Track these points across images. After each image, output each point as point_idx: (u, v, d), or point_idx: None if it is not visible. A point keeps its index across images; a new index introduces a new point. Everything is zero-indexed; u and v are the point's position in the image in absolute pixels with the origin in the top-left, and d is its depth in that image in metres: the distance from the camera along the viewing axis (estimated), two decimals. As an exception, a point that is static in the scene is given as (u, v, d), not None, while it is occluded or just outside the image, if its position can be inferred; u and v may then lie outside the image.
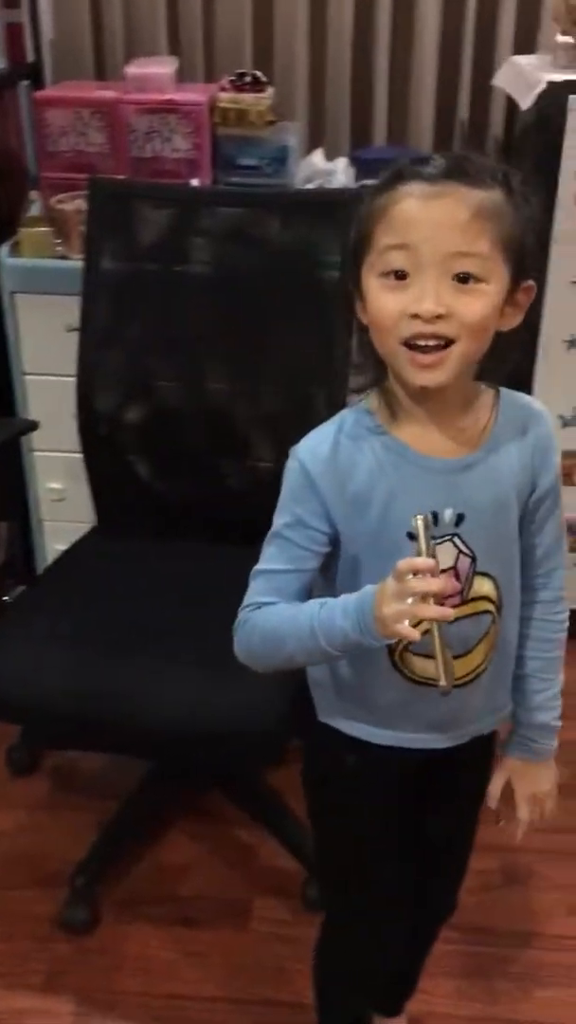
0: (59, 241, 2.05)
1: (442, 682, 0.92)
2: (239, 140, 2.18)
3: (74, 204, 2.00)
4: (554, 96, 1.94)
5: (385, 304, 0.95)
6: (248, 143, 2.18)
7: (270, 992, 1.58)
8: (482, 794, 1.23)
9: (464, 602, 1.05)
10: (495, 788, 1.19)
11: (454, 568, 1.04)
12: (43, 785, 1.96)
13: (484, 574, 1.06)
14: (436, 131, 2.43)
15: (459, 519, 1.03)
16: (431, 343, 0.93)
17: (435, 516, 1.02)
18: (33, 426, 1.92)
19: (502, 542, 1.07)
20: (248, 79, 2.18)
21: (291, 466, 1.04)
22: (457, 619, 1.03)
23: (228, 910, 1.71)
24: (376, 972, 1.36)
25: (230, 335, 1.76)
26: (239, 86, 2.18)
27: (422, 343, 0.94)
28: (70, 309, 1.80)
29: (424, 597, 0.90)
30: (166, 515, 1.83)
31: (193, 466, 1.81)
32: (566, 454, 2.01)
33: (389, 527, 1.02)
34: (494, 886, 1.77)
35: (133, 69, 2.20)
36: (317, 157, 2.20)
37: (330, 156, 2.24)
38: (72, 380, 1.77)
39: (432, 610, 0.90)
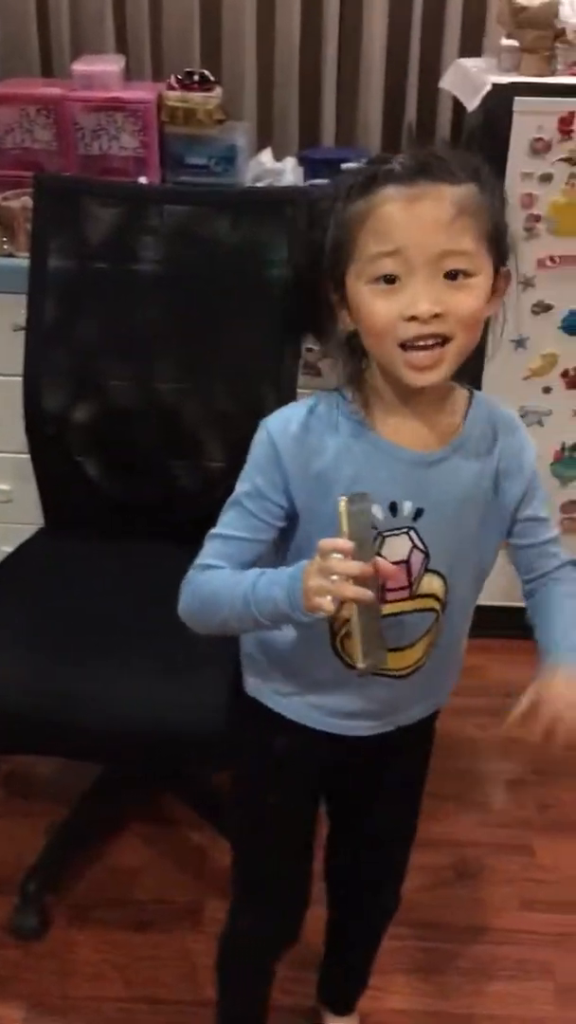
0: (5, 239, 2.02)
1: (359, 664, 0.94)
2: (187, 139, 2.17)
3: (20, 201, 1.98)
4: (499, 98, 1.96)
5: (379, 310, 0.95)
6: (197, 142, 2.17)
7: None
8: (417, 789, 1.26)
9: (412, 597, 1.06)
10: (524, 705, 1.07)
11: (406, 561, 1.04)
12: (-7, 791, 1.94)
13: (435, 572, 1.07)
14: (384, 132, 2.45)
15: (418, 513, 1.04)
16: (430, 342, 0.95)
17: (394, 507, 1.03)
18: (-22, 426, 1.90)
19: (457, 542, 1.07)
20: (196, 78, 2.18)
21: (259, 437, 1.05)
22: (402, 613, 1.05)
23: (180, 913, 1.70)
24: (265, 960, 1.36)
25: (180, 334, 1.75)
26: (187, 85, 2.17)
27: (421, 343, 0.95)
28: (17, 308, 1.77)
29: (347, 578, 0.91)
30: (116, 515, 1.81)
31: (143, 466, 1.80)
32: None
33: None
34: (446, 882, 1.78)
35: (80, 66, 2.19)
36: (266, 156, 2.20)
37: (279, 156, 2.25)
38: (19, 379, 1.75)
39: (350, 591, 0.91)
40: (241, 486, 1.06)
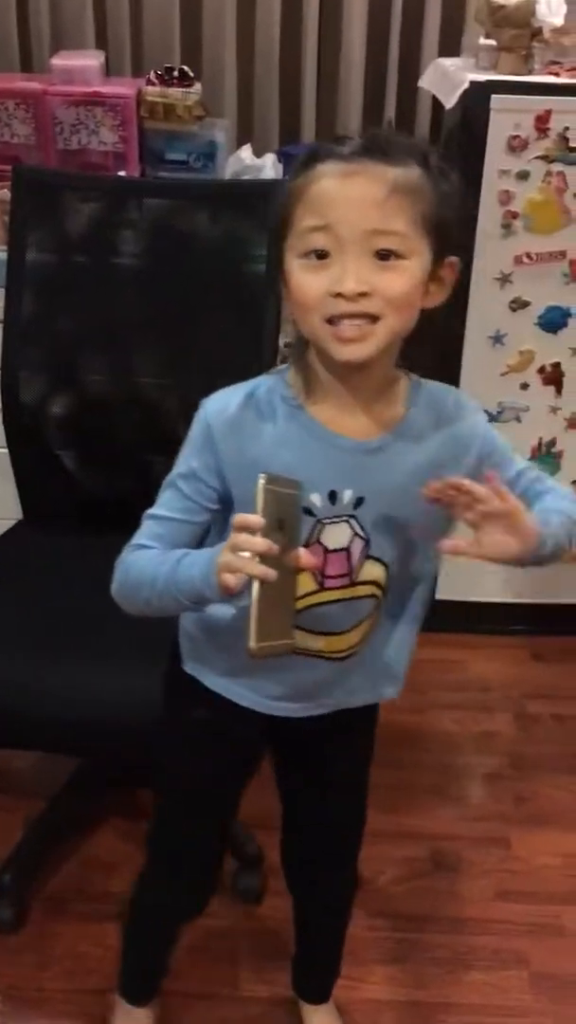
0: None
1: (250, 642, 0.91)
2: (167, 134, 2.18)
3: (-1, 195, 1.97)
4: (477, 96, 1.97)
5: (307, 284, 0.95)
6: (176, 137, 2.18)
7: (204, 986, 1.58)
8: (363, 772, 1.28)
9: (352, 584, 1.07)
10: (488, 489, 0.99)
11: (347, 549, 1.05)
12: (-31, 786, 1.93)
13: (376, 559, 1.07)
14: (363, 129, 2.45)
15: (358, 502, 1.04)
16: (356, 322, 0.94)
17: (333, 496, 1.03)
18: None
19: (399, 529, 1.06)
20: (176, 74, 2.18)
21: (197, 417, 1.05)
22: (343, 600, 1.06)
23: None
24: (167, 926, 1.40)
25: (159, 328, 1.75)
26: (167, 80, 2.18)
27: (347, 322, 0.94)
28: (-6, 300, 1.77)
29: (255, 556, 0.91)
30: (94, 508, 1.81)
31: (122, 460, 1.80)
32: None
33: None
34: (423, 873, 1.79)
35: (59, 61, 2.19)
36: (245, 153, 2.21)
37: (258, 152, 2.26)
38: (-5, 372, 1.75)
39: (253, 567, 0.90)
40: (178, 467, 1.06)
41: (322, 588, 1.05)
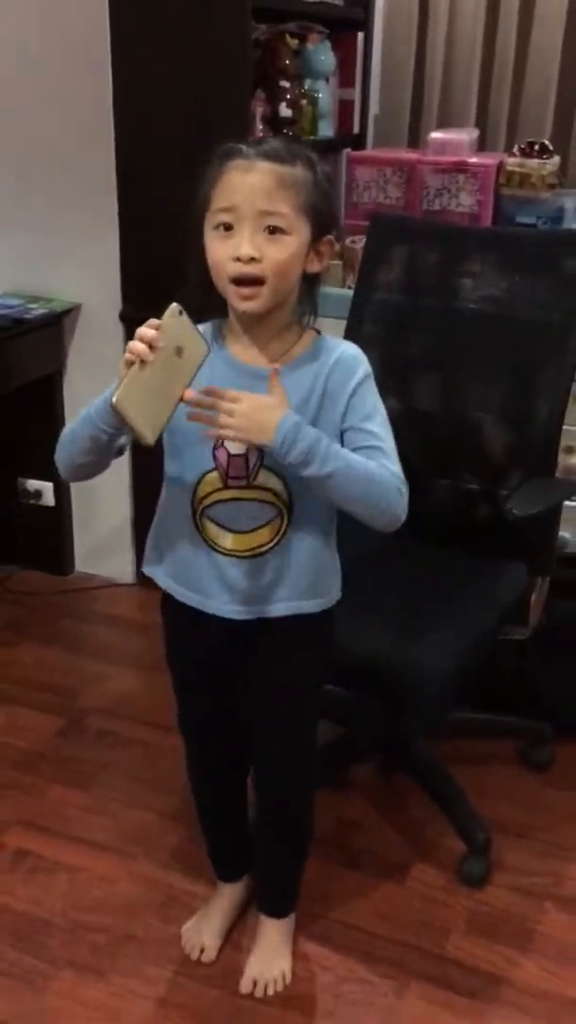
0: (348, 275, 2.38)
1: (114, 397, 1.15)
2: (520, 200, 2.42)
3: (363, 244, 2.32)
4: None
5: (217, 250, 1.26)
6: (529, 203, 2.41)
7: (411, 938, 1.74)
8: (298, 692, 1.48)
9: (250, 487, 1.34)
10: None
11: (244, 455, 1.32)
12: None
13: (271, 469, 1.32)
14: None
15: None
16: (247, 290, 1.24)
17: None
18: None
19: None
20: (537, 147, 2.42)
21: None
22: (241, 499, 1.34)
23: (390, 865, 1.89)
24: (206, 782, 1.67)
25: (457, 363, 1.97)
26: (528, 153, 2.42)
27: (243, 281, 1.24)
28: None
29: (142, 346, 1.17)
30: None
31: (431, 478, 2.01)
32: None
33: None
34: None
35: (436, 135, 2.51)
36: (591, 218, 2.38)
37: (607, 219, 2.41)
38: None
39: (136, 344, 1.17)
40: None
41: (225, 487, 1.34)
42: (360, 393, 1.33)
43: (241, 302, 1.27)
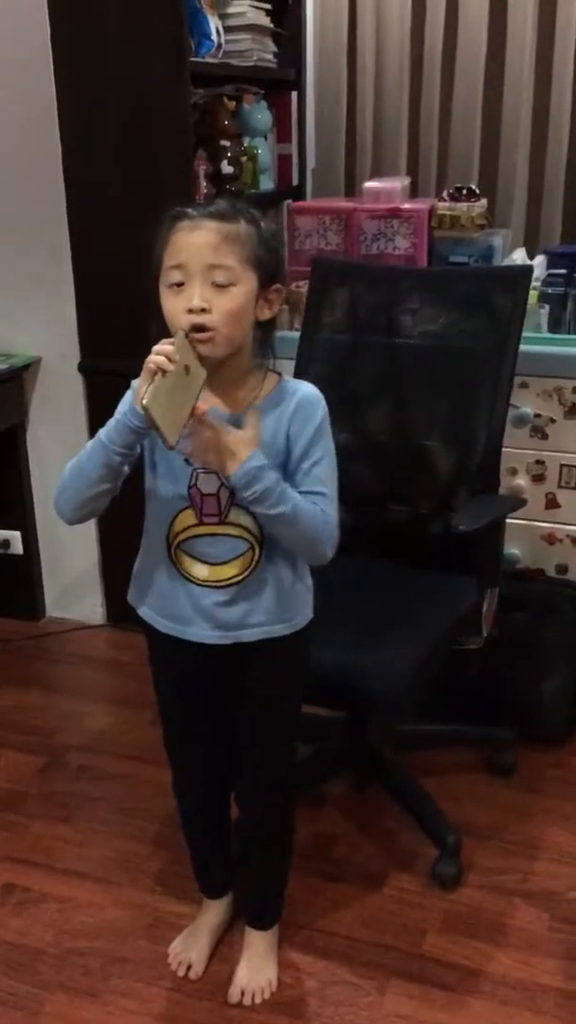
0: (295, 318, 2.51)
1: (145, 399, 1.24)
2: (453, 241, 2.57)
3: (306, 288, 2.45)
4: None
5: (170, 305, 1.35)
6: (460, 243, 2.56)
7: (390, 940, 1.82)
8: (275, 704, 1.57)
9: (223, 523, 1.43)
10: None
11: (215, 495, 1.42)
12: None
13: (242, 507, 1.41)
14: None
15: None
16: (201, 335, 1.32)
17: None
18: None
19: None
20: (464, 191, 2.58)
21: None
22: (215, 535, 1.44)
23: (366, 873, 1.97)
24: (190, 800, 1.74)
25: (401, 393, 2.10)
26: (456, 197, 2.58)
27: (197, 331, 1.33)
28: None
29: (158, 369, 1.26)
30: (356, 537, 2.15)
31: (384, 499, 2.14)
32: None
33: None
34: None
35: (370, 184, 2.67)
36: (518, 254, 2.54)
37: (532, 254, 2.58)
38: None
39: (157, 356, 1.26)
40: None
41: (200, 523, 1.44)
42: (316, 437, 1.43)
43: (201, 347, 1.34)
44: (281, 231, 2.90)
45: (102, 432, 1.38)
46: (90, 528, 2.79)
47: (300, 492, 1.41)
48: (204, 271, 1.33)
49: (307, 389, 1.45)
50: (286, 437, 1.42)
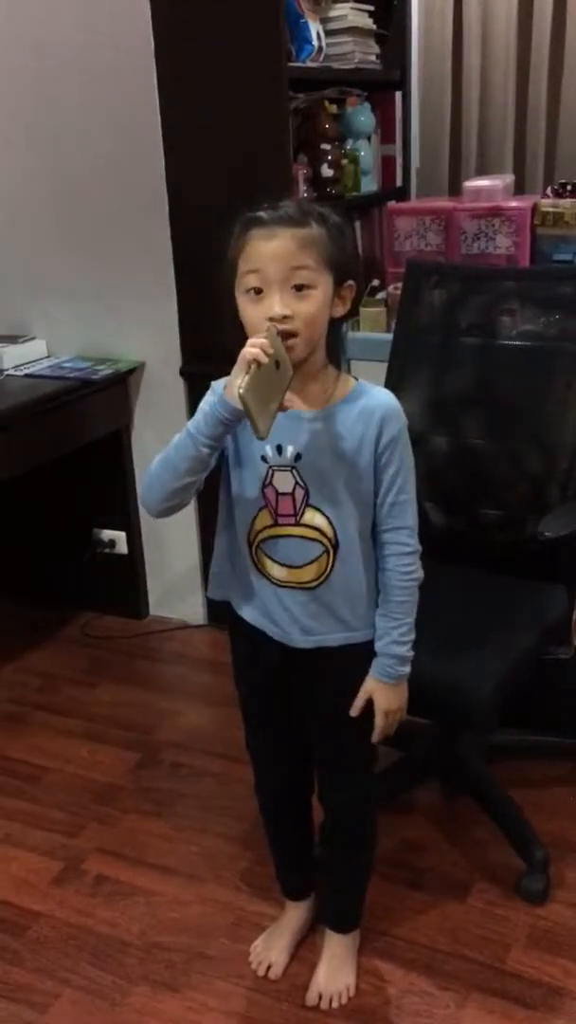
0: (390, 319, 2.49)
1: (241, 389, 1.24)
2: (555, 238, 2.50)
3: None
4: None
5: (250, 313, 1.35)
6: (563, 241, 2.49)
7: (472, 952, 1.79)
8: (347, 706, 1.52)
9: (297, 524, 1.44)
10: (359, 701, 1.52)
11: (291, 494, 1.42)
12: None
13: (316, 508, 1.42)
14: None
15: (297, 456, 1.40)
16: (287, 340, 1.32)
17: (280, 448, 1.41)
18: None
19: (335, 487, 1.42)
20: (569, 187, 2.51)
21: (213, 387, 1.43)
22: (291, 536, 1.44)
23: (452, 883, 1.94)
24: (274, 804, 1.77)
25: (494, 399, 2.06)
26: (560, 194, 2.51)
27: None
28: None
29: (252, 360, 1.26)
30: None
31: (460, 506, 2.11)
32: None
33: (250, 445, 1.43)
34: None
35: (470, 183, 2.63)
36: (625, 251, 2.45)
37: None
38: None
39: (252, 348, 1.26)
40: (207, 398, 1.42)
41: (276, 524, 1.44)
42: (394, 448, 1.43)
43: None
44: (383, 230, 2.91)
45: (190, 424, 1.40)
46: (192, 530, 2.84)
47: (383, 531, 1.45)
48: (283, 279, 1.33)
49: (385, 397, 1.45)
50: (360, 441, 1.42)
